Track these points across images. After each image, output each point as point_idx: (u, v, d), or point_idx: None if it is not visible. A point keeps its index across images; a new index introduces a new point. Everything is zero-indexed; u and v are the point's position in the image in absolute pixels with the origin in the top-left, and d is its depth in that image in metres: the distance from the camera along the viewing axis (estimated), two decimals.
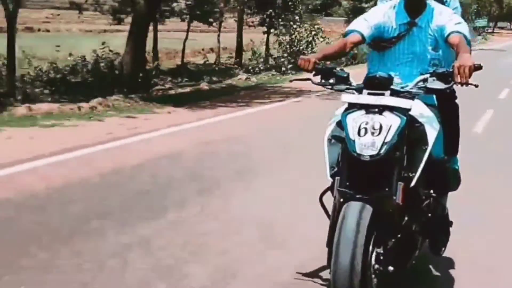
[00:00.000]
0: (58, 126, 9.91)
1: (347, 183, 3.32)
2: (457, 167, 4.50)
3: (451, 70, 3.42)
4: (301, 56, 3.76)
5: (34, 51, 19.50)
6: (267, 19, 24.77)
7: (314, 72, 3.70)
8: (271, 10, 24.46)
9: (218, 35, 25.03)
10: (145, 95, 14.04)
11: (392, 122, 3.30)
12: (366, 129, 3.29)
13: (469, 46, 3.82)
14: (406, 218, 3.50)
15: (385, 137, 3.26)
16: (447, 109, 4.21)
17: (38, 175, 6.70)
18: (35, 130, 9.52)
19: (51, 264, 4.32)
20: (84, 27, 28.96)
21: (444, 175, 3.94)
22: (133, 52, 14.89)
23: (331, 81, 3.63)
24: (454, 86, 3.60)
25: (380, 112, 3.33)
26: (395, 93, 3.41)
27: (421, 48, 4.00)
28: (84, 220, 5.28)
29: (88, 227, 5.11)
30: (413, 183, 3.37)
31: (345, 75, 3.60)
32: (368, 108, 3.37)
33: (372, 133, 3.27)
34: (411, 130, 3.44)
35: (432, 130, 3.52)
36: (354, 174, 3.33)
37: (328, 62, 3.94)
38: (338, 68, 3.69)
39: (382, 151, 3.24)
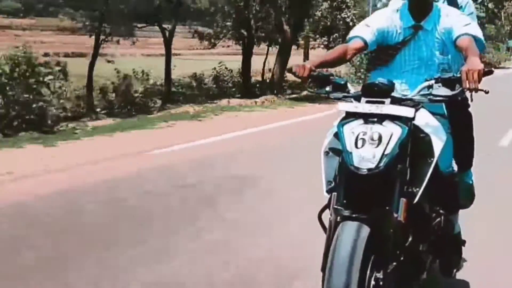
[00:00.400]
0: (257, 112, 15.46)
1: (344, 200, 3.03)
2: (471, 182, 4.18)
3: (458, 75, 3.12)
4: (296, 63, 3.48)
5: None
6: (332, 42, 26.00)
7: (310, 80, 3.43)
8: (336, 34, 25.90)
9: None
10: (283, 95, 19.98)
11: (392, 132, 3.00)
12: (364, 140, 3.00)
13: (482, 48, 3.53)
14: (410, 238, 3.19)
15: (385, 149, 2.96)
16: (458, 119, 3.91)
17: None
18: (242, 113, 15.08)
19: None
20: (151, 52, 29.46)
21: (454, 191, 3.62)
22: (280, 67, 20.65)
23: (327, 89, 3.35)
24: (468, 94, 3.33)
25: (380, 122, 3.04)
26: (396, 101, 3.11)
27: (428, 53, 3.70)
28: None
29: None
30: (416, 199, 3.06)
31: (343, 83, 3.32)
32: (367, 118, 3.08)
33: (371, 144, 2.98)
34: (415, 141, 3.14)
35: (439, 141, 3.22)
36: (351, 190, 3.03)
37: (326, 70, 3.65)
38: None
39: (381, 164, 2.94)
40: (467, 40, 3.43)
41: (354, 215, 2.90)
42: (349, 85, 3.34)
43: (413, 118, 3.09)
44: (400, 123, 3.03)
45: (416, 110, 3.15)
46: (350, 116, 3.14)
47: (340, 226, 2.91)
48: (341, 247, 2.81)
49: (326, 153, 3.26)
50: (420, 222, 3.24)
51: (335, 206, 3.04)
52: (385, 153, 2.95)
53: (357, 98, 3.19)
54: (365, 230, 2.86)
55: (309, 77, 3.39)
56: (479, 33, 3.57)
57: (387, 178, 3.00)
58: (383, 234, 2.94)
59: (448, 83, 3.15)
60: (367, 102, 3.12)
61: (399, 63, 3.75)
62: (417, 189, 3.07)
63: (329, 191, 3.17)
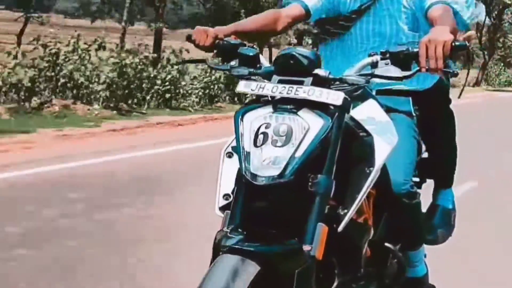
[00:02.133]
0: None
1: (238, 222, 2.05)
2: (450, 207, 3.18)
3: (415, 49, 2.14)
4: (198, 27, 2.52)
5: None
6: None
7: (215, 51, 2.47)
8: None
9: None
10: None
11: (309, 126, 2.03)
12: (266, 135, 2.03)
13: (462, 24, 2.55)
14: (334, 286, 2.19)
15: (296, 149, 1.99)
16: (434, 120, 2.93)
17: None
18: None
19: None
20: None
21: (411, 218, 2.60)
22: None
23: (233, 63, 2.38)
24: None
25: (295, 111, 2.07)
26: (321, 82, 2.13)
27: (393, 27, 2.75)
28: None
29: None
30: (342, 226, 2.08)
31: (252, 54, 2.34)
32: (278, 104, 2.11)
33: (274, 142, 2.01)
34: (350, 142, 2.19)
35: (385, 145, 2.23)
36: (246, 208, 2.07)
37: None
38: (248, 46, 2.43)
39: (287, 171, 1.97)
40: (440, 9, 2.47)
41: (237, 246, 1.91)
42: (262, 58, 2.36)
43: (344, 108, 2.10)
44: (322, 113, 2.05)
45: (352, 97, 2.18)
46: (258, 102, 2.17)
47: (216, 260, 1.92)
48: None
49: (229, 154, 2.28)
50: (352, 262, 2.25)
51: (223, 229, 2.06)
52: (295, 155, 1.99)
53: (267, 75, 2.21)
54: (250, 270, 1.87)
55: (213, 47, 2.46)
56: (460, 3, 2.59)
57: (297, 193, 2.04)
58: (283, 277, 1.93)
59: (399, 59, 2.16)
60: (280, 81, 2.14)
61: (354, 40, 2.78)
62: (345, 211, 2.10)
63: (223, 208, 2.19)
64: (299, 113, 2.05)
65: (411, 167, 2.61)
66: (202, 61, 2.60)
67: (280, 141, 2.00)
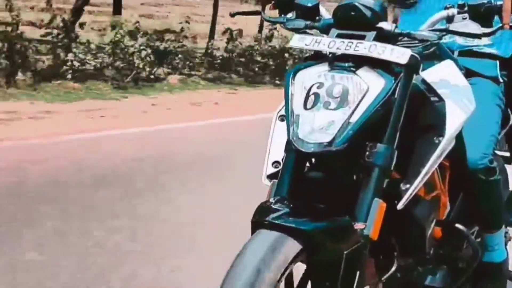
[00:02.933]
0: None
1: (284, 195, 1.82)
2: None
3: (499, 2, 1.83)
4: None
5: None
6: None
7: (272, 1, 2.22)
8: None
9: None
10: None
11: (369, 86, 1.77)
12: (318, 95, 1.78)
13: None
14: (393, 268, 1.94)
15: (352, 113, 1.74)
16: None
17: None
18: None
19: None
20: None
21: (489, 197, 2.29)
22: None
23: (290, 15, 2.11)
24: None
25: (353, 69, 1.80)
26: (386, 37, 1.85)
27: None
28: None
29: None
30: (402, 202, 1.82)
31: (311, 5, 2.06)
32: (335, 61, 1.85)
33: (327, 105, 1.76)
34: (419, 107, 1.91)
35: (459, 111, 1.94)
36: (297, 179, 1.84)
37: None
38: None
39: (340, 139, 1.72)
40: None
41: (278, 221, 1.68)
42: (322, 9, 2.09)
43: (412, 67, 1.83)
44: (385, 73, 1.79)
45: (423, 56, 1.90)
46: (316, 58, 1.92)
47: (253, 236, 1.71)
48: (241, 271, 1.61)
49: (281, 118, 2.05)
50: (411, 242, 1.98)
51: (267, 200, 1.84)
52: (351, 120, 1.74)
53: (327, 29, 1.95)
54: (290, 249, 1.64)
55: None
56: None
57: (354, 163, 1.81)
58: (330, 258, 1.70)
59: (479, 13, 1.84)
60: (339, 36, 1.88)
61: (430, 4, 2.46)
62: (408, 185, 1.83)
63: (271, 177, 1.97)
64: (358, 72, 1.79)
65: (493, 140, 2.29)
66: (257, 12, 2.34)
67: (333, 103, 1.74)
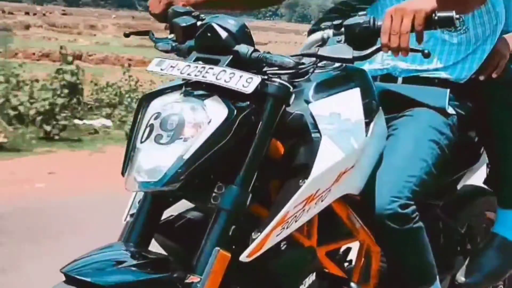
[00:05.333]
0: None
1: (136, 236, 1.63)
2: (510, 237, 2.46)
3: (379, 23, 1.60)
4: None
5: None
6: None
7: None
8: None
9: None
10: None
11: (211, 118, 1.53)
12: (152, 127, 1.55)
13: None
14: None
15: (187, 148, 1.50)
16: (493, 119, 2.34)
17: None
18: None
19: None
20: None
21: (400, 250, 1.98)
22: None
23: (171, 36, 1.87)
24: None
25: (202, 97, 1.57)
26: (244, 61, 1.61)
27: None
28: None
29: None
30: (244, 254, 1.55)
31: (185, 24, 1.80)
32: (187, 88, 1.61)
33: (158, 138, 1.52)
34: (300, 144, 1.68)
35: (335, 150, 1.67)
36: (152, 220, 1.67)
37: None
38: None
39: (168, 178, 1.48)
40: None
41: (74, 274, 1.43)
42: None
43: (276, 97, 1.59)
44: (230, 103, 1.55)
45: (297, 84, 1.66)
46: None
47: None
48: None
49: None
50: None
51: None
52: (184, 156, 1.49)
53: (189, 52, 1.72)
54: None
55: (163, 15, 1.99)
56: None
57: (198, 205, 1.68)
58: None
59: (355, 35, 1.61)
60: (198, 59, 1.64)
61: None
62: (258, 234, 1.57)
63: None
64: (206, 101, 1.55)
65: (413, 181, 1.93)
66: (145, 33, 2.09)
67: (165, 137, 1.51)
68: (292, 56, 1.65)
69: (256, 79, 1.53)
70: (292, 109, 1.67)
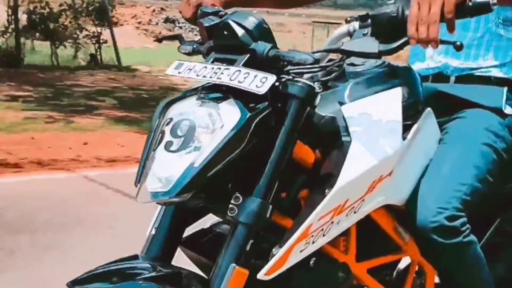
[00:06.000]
0: None
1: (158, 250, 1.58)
2: None
3: (407, 12, 1.44)
4: None
5: None
6: None
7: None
8: None
9: None
10: None
11: (224, 123, 1.41)
12: (163, 134, 1.44)
13: None
14: None
15: (198, 156, 1.38)
16: None
17: None
18: None
19: None
20: None
21: (449, 266, 1.80)
22: None
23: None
24: None
25: (220, 101, 1.45)
26: (259, 61, 1.49)
27: None
28: None
29: None
30: (261, 273, 1.43)
31: (208, 24, 1.66)
32: (203, 92, 1.50)
33: (169, 145, 1.41)
34: (330, 149, 1.55)
35: (365, 156, 1.51)
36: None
37: None
38: None
39: (178, 188, 1.37)
40: None
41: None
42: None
43: (302, 99, 1.47)
44: (243, 107, 1.43)
45: (328, 83, 1.57)
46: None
47: None
48: None
49: None
50: None
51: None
52: (196, 164, 1.37)
53: (208, 53, 1.62)
54: None
55: (195, 17, 1.86)
56: None
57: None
58: None
59: (383, 26, 1.46)
60: (216, 60, 1.54)
61: None
62: (279, 249, 1.44)
63: None
64: (220, 104, 1.43)
65: (463, 190, 1.74)
66: (175, 37, 1.99)
67: (176, 144, 1.40)
68: (314, 52, 1.52)
69: (271, 79, 1.40)
70: (324, 112, 1.56)
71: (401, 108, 1.59)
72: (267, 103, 1.42)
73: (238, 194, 1.41)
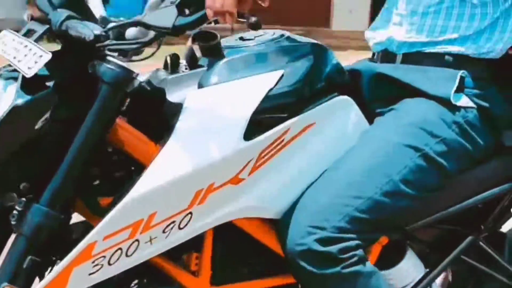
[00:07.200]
0: None
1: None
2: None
3: None
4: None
5: None
6: None
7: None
8: None
9: None
10: None
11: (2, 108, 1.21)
12: None
13: None
14: None
15: None
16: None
17: None
18: None
19: None
20: None
21: None
22: None
23: None
24: None
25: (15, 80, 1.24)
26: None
27: None
28: None
29: None
30: None
31: None
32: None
33: None
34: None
35: (184, 155, 1.25)
36: None
37: None
38: None
39: None
40: None
41: None
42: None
43: (115, 84, 1.21)
44: (18, 90, 1.20)
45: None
46: None
47: None
48: None
49: None
50: None
51: None
52: None
53: None
54: None
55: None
56: None
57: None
58: None
59: None
60: (29, 31, 1.31)
61: None
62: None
63: None
64: (9, 87, 1.20)
65: (358, 204, 1.37)
66: None
67: None
68: (113, 24, 1.26)
69: (46, 57, 1.14)
70: (174, 98, 1.28)
71: (278, 97, 1.27)
72: (50, 90, 1.17)
73: (23, 199, 1.18)
